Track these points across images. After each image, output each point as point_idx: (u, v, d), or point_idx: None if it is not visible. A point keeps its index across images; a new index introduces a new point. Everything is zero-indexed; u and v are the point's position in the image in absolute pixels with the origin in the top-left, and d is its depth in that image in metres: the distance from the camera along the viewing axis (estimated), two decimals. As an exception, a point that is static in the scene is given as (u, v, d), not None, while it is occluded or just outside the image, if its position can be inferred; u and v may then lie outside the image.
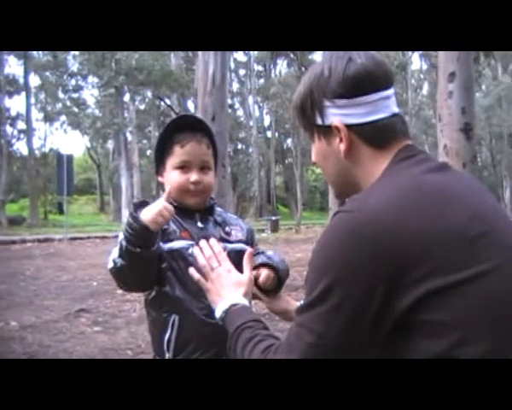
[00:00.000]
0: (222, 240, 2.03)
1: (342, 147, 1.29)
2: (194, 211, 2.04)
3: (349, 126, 1.28)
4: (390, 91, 1.31)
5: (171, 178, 2.00)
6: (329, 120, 1.29)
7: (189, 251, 1.94)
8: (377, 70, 1.28)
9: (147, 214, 1.77)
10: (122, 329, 6.63)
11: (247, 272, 1.70)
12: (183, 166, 1.99)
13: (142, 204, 1.83)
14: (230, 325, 1.45)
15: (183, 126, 2.02)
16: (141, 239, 1.79)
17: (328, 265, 1.14)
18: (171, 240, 1.95)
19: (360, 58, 1.28)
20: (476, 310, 1.06)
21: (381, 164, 1.27)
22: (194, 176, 1.99)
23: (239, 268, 1.83)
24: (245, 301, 1.55)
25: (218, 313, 1.55)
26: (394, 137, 1.29)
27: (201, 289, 1.77)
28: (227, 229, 2.10)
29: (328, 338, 1.11)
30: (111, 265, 1.85)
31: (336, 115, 1.28)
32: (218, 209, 2.16)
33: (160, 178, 2.08)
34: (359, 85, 1.26)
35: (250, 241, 2.17)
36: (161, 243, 1.92)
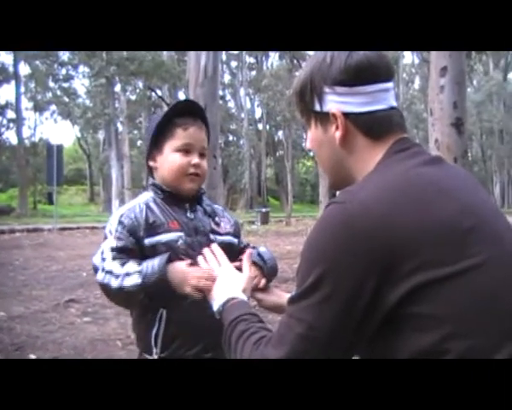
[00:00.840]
0: (212, 232, 2.04)
1: (338, 135, 1.29)
2: (185, 200, 2.03)
3: (346, 115, 1.28)
4: (389, 84, 1.31)
5: (172, 159, 1.98)
6: (327, 107, 1.29)
7: (179, 243, 1.94)
8: (379, 61, 1.29)
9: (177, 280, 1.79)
10: (111, 319, 6.62)
11: (247, 271, 1.73)
12: (185, 149, 1.98)
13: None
14: (226, 318, 1.45)
15: (185, 111, 2.02)
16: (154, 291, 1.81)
17: (319, 256, 1.14)
18: (158, 233, 1.93)
19: None
20: (466, 303, 1.06)
21: (375, 155, 1.27)
22: (195, 159, 1.99)
23: (229, 259, 1.86)
24: (243, 296, 1.57)
25: (215, 307, 1.57)
26: (390, 129, 1.29)
27: None
28: (217, 219, 2.10)
29: (318, 329, 1.11)
30: (112, 284, 1.82)
31: (335, 102, 1.28)
32: (207, 200, 2.15)
33: (151, 163, 2.05)
34: (360, 74, 1.27)
35: (237, 234, 2.17)
36: (148, 238, 1.91)
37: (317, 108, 1.32)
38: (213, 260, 1.74)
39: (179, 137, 1.98)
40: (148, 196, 2.03)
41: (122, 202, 25.32)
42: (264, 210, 30.64)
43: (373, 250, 1.07)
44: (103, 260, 1.88)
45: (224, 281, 1.65)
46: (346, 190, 1.21)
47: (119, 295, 1.84)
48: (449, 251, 1.07)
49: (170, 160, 1.99)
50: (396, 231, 1.08)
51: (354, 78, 1.26)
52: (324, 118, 1.31)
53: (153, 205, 1.99)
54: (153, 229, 1.93)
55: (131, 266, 1.82)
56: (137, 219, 1.92)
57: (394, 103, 1.32)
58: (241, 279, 1.67)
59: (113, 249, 1.88)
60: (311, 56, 1.38)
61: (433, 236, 1.08)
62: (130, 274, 1.80)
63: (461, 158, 7.16)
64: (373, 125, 1.28)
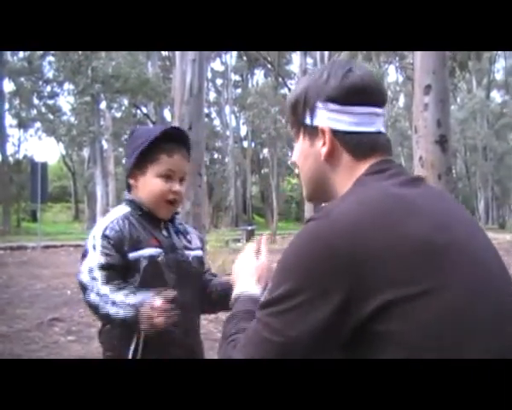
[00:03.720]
0: (185, 248, 2.11)
1: (324, 150, 1.32)
2: (160, 219, 2.08)
3: (334, 132, 1.31)
4: (380, 110, 1.35)
5: (153, 184, 2.02)
6: (317, 122, 1.33)
7: (159, 259, 1.99)
8: (374, 86, 1.34)
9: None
10: (96, 338, 6.53)
11: (263, 258, 1.70)
12: (168, 176, 2.02)
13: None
14: (232, 310, 1.49)
15: (171, 137, 2.06)
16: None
17: (291, 269, 1.18)
18: (141, 248, 1.97)
19: (360, 71, 1.33)
20: (434, 322, 1.07)
21: (355, 173, 1.31)
22: (176, 186, 2.04)
23: (200, 274, 2.11)
24: (252, 290, 1.56)
25: (233, 298, 1.58)
26: (374, 150, 1.32)
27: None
28: (188, 237, 2.17)
29: (284, 335, 1.14)
30: (115, 313, 1.87)
31: (325, 118, 1.32)
32: (178, 219, 2.20)
33: (131, 181, 2.09)
34: (353, 95, 1.31)
35: (203, 247, 2.28)
36: (132, 252, 1.95)
37: (308, 121, 1.35)
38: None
39: (163, 162, 2.02)
40: (124, 210, 2.06)
41: (107, 219, 25.18)
42: (249, 228, 30.56)
43: (340, 266, 1.10)
44: (94, 279, 1.90)
45: (243, 272, 1.65)
46: (322, 208, 1.24)
47: (110, 321, 1.92)
48: (418, 270, 1.09)
49: (151, 184, 2.03)
50: (364, 248, 1.10)
51: (347, 97, 1.30)
52: (313, 132, 1.35)
53: (133, 220, 2.02)
54: (136, 243, 1.97)
55: (119, 296, 1.87)
56: (123, 233, 1.96)
57: (383, 129, 1.36)
58: (255, 270, 1.65)
59: (102, 267, 1.90)
60: (311, 71, 1.43)
61: (401, 254, 1.09)
62: (115, 304, 1.86)
63: (445, 175, 7.21)
64: (358, 145, 1.31)
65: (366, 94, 1.31)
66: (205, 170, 9.46)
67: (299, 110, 1.37)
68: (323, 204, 1.36)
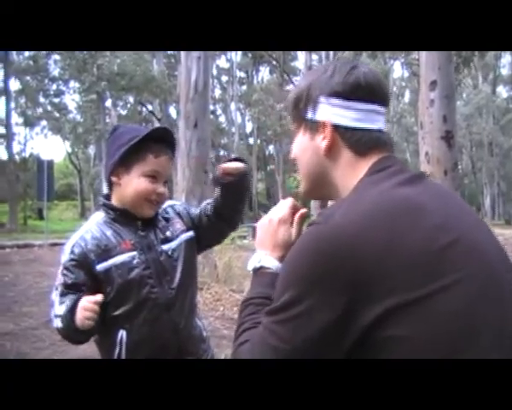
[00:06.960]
0: (164, 242, 2.07)
1: (324, 143, 1.32)
2: (137, 218, 2.04)
3: (335, 127, 1.31)
4: (382, 109, 1.35)
5: (138, 183, 1.98)
6: (319, 116, 1.32)
7: (134, 262, 1.97)
8: (376, 84, 1.33)
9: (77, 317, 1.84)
10: (102, 336, 6.56)
11: (291, 230, 1.56)
12: (153, 176, 1.99)
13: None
14: (249, 289, 1.46)
15: (159, 138, 2.03)
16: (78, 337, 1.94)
17: (293, 276, 1.17)
18: (111, 256, 1.96)
19: (364, 68, 1.33)
20: (441, 325, 1.06)
21: (358, 171, 1.30)
22: (161, 188, 2.02)
23: (191, 255, 2.07)
24: (269, 262, 1.47)
25: (249, 266, 1.51)
26: (375, 147, 1.32)
27: (147, 300, 1.94)
28: (167, 233, 2.10)
29: (289, 343, 1.14)
30: (58, 325, 1.92)
31: (327, 113, 1.32)
32: (161, 209, 2.15)
33: (114, 178, 2.03)
34: (356, 90, 1.30)
35: (190, 219, 2.20)
36: (101, 263, 1.95)
37: (310, 115, 1.35)
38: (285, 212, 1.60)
39: (150, 163, 1.99)
40: (99, 217, 2.06)
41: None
42: (255, 225, 30.50)
43: (342, 272, 1.08)
44: (56, 288, 1.97)
45: (268, 237, 1.57)
46: (324, 212, 1.22)
47: (62, 335, 1.97)
48: (422, 273, 1.07)
49: (136, 182, 1.99)
50: (365, 254, 1.08)
51: (350, 92, 1.30)
52: (314, 126, 1.34)
53: (104, 227, 2.01)
54: (105, 253, 1.96)
55: (60, 308, 1.91)
56: (87, 247, 1.96)
57: (384, 128, 1.35)
58: (284, 244, 1.50)
59: (61, 283, 1.96)
60: (316, 67, 1.42)
61: (404, 258, 1.08)
62: (57, 317, 1.92)
63: (451, 171, 7.20)
64: (359, 141, 1.31)
65: (369, 91, 1.31)
66: (211, 167, 9.45)
67: (302, 104, 1.37)
68: (329, 203, 1.34)
